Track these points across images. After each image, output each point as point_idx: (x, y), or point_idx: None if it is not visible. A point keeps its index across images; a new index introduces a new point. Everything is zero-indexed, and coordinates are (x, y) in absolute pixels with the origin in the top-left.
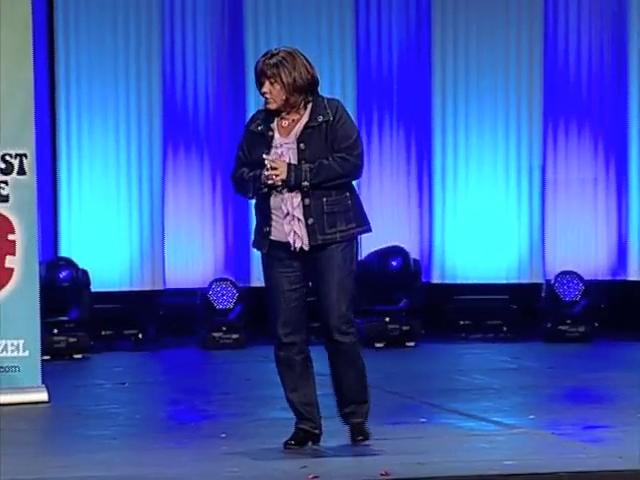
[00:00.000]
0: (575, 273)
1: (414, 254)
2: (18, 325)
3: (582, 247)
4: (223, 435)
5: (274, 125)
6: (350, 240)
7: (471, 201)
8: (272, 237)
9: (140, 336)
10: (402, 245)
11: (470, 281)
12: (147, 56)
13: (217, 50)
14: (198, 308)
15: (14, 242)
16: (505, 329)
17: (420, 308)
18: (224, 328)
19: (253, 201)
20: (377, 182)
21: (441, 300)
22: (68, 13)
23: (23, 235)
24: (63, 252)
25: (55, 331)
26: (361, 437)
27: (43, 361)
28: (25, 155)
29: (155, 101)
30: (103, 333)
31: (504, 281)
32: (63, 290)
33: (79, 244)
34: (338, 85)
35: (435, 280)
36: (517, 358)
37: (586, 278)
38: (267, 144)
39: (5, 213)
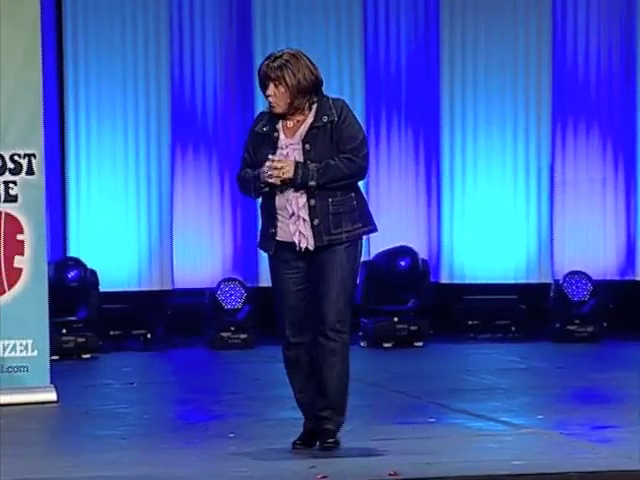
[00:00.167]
0: (584, 273)
1: (423, 254)
2: (27, 325)
3: (591, 247)
4: (231, 435)
5: (279, 126)
6: (355, 240)
7: (479, 201)
8: (278, 238)
9: (148, 336)
10: (410, 245)
11: (479, 281)
12: (156, 57)
13: (225, 51)
14: (206, 308)
15: (23, 242)
16: (513, 329)
17: (428, 308)
18: (232, 328)
19: (259, 201)
20: (385, 182)
21: (449, 300)
22: (77, 14)
23: (32, 235)
24: (72, 252)
25: (64, 331)
26: (332, 440)
27: (52, 361)
28: (34, 155)
29: (163, 101)
30: (112, 333)
31: (512, 281)
32: (72, 290)
33: (88, 244)
34: (346, 86)
35: (444, 280)
36: (525, 358)
37: (595, 278)
38: (272, 145)
39: (14, 213)
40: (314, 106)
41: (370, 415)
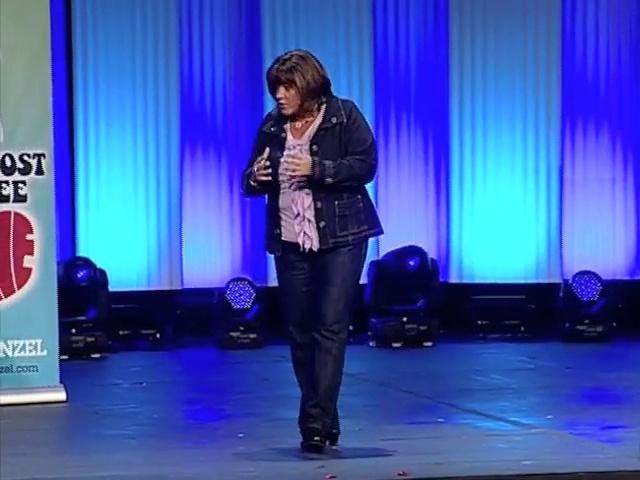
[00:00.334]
0: (593, 273)
1: (432, 254)
2: (36, 325)
3: (600, 247)
4: (240, 435)
5: (287, 127)
6: (360, 243)
7: (489, 201)
8: (283, 238)
9: (158, 336)
10: (420, 245)
11: (488, 281)
12: (165, 57)
13: (234, 51)
14: (215, 308)
15: (32, 242)
16: (523, 329)
17: (438, 308)
18: (241, 328)
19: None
20: (395, 182)
21: (459, 300)
22: (86, 14)
23: (41, 235)
24: (81, 252)
25: (73, 331)
26: (317, 439)
27: (61, 361)
28: (43, 155)
29: (173, 102)
30: (121, 333)
31: (522, 281)
32: (81, 290)
33: (97, 244)
34: (356, 86)
35: (453, 280)
36: (535, 358)
37: (604, 278)
38: (280, 145)
39: (23, 213)
40: (323, 107)
41: (379, 415)
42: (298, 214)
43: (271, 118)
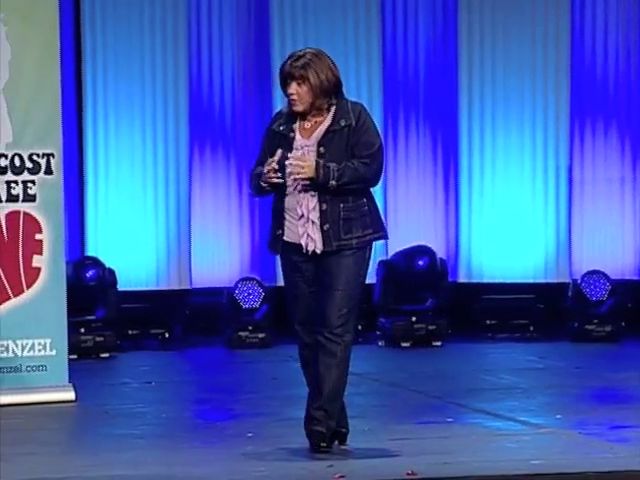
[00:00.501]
0: (602, 273)
1: (441, 253)
2: (45, 324)
3: (609, 246)
4: (249, 434)
5: (296, 126)
6: (365, 246)
7: (498, 201)
8: (285, 238)
9: (166, 335)
10: (429, 244)
11: (497, 280)
12: (174, 56)
13: (243, 50)
14: (224, 307)
15: (41, 241)
16: (532, 329)
17: (447, 307)
18: (250, 327)
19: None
20: (404, 182)
21: (468, 299)
22: (95, 13)
23: (50, 234)
24: (90, 251)
25: (82, 330)
26: (324, 444)
27: (70, 360)
28: (52, 155)
29: (181, 101)
30: (130, 332)
31: (531, 280)
32: (90, 289)
33: (106, 243)
34: (364, 86)
35: (462, 279)
36: (544, 358)
37: (613, 277)
38: (288, 145)
39: (32, 212)
40: (332, 108)
41: (388, 414)
42: (302, 215)
43: (281, 116)
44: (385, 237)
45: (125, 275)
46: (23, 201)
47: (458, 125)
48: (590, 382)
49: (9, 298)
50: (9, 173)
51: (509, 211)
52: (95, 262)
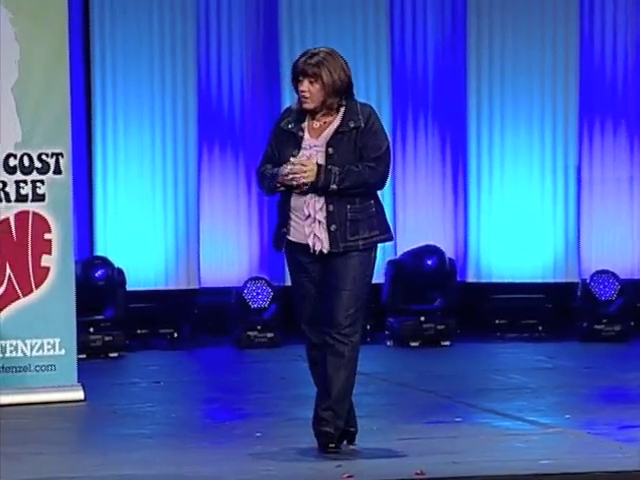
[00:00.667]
0: (611, 272)
1: (449, 253)
2: (54, 324)
3: (618, 246)
4: (258, 434)
5: (305, 125)
6: (370, 247)
7: (506, 200)
8: (289, 237)
9: (175, 335)
10: (437, 244)
11: (505, 280)
12: (183, 57)
13: (252, 51)
14: (233, 307)
15: (50, 241)
16: (541, 328)
17: (455, 307)
18: (259, 327)
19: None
20: (412, 182)
21: (476, 299)
22: (104, 14)
23: (59, 234)
24: (99, 251)
25: (91, 330)
26: (332, 445)
27: (79, 360)
28: (61, 154)
29: (190, 101)
30: (138, 332)
31: (540, 280)
32: (99, 289)
33: (115, 243)
34: (373, 87)
35: (470, 279)
36: (553, 357)
37: (622, 277)
38: (297, 144)
39: (41, 212)
40: (342, 109)
41: (396, 414)
42: (309, 216)
43: (289, 113)
44: (390, 239)
45: (134, 275)
46: (32, 201)
47: (467, 126)
48: (599, 382)
49: (18, 298)
50: (18, 173)
51: (518, 211)
52: (104, 262)
